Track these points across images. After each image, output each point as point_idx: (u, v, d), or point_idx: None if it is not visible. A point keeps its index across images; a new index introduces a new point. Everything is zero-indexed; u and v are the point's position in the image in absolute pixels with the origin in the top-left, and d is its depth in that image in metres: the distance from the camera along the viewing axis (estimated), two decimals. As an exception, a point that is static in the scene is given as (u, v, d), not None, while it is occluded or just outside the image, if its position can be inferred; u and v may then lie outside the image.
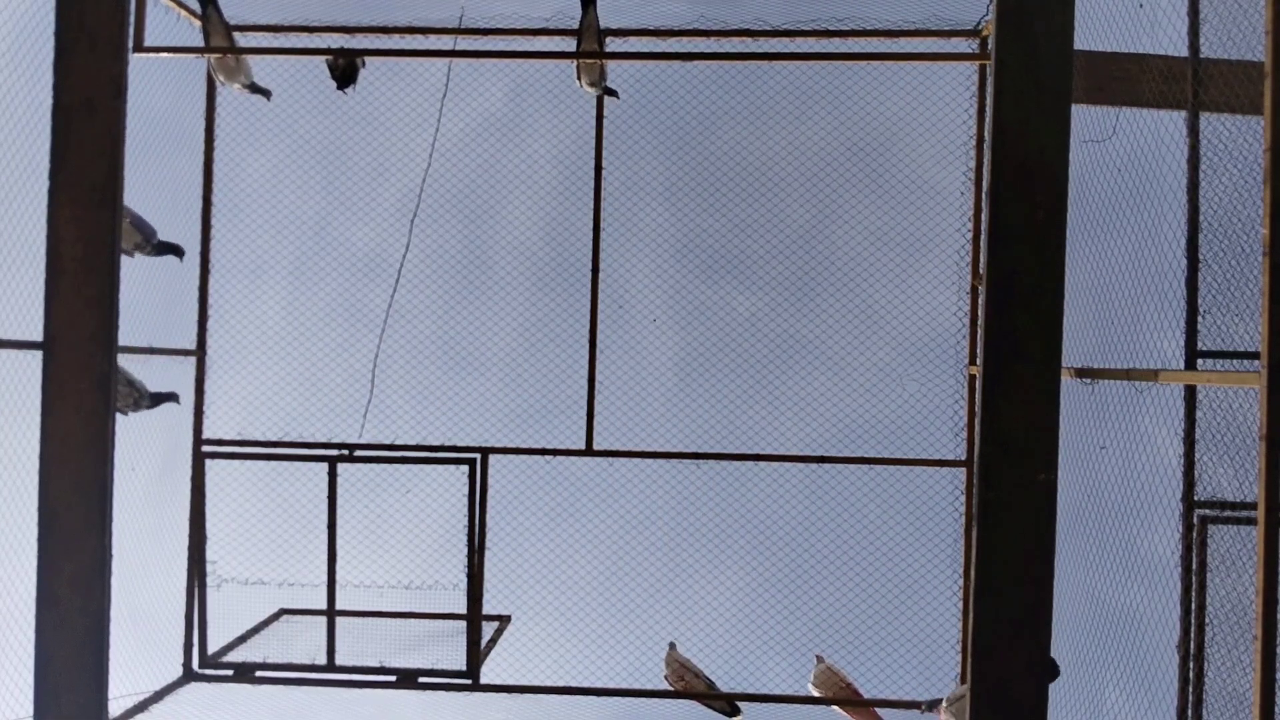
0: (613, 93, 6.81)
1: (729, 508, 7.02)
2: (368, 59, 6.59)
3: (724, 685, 6.68)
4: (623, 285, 6.91)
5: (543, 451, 6.77)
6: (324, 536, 6.39)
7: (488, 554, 6.51)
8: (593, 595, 7.02)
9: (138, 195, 5.63)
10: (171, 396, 6.38)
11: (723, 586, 7.10)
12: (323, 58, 6.50)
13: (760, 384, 7.05)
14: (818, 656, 6.67)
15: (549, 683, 6.57)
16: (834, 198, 6.89)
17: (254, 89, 6.74)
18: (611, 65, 6.73)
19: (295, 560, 6.58)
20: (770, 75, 6.78)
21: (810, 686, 6.62)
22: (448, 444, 6.67)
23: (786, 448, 6.82)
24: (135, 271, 5.85)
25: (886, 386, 6.89)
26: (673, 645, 6.73)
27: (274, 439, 6.65)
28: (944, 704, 6.35)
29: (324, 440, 6.62)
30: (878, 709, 6.60)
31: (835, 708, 6.61)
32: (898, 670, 6.60)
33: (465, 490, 6.43)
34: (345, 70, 6.40)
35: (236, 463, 6.63)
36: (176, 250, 6.41)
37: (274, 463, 6.56)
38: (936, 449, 6.72)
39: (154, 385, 6.43)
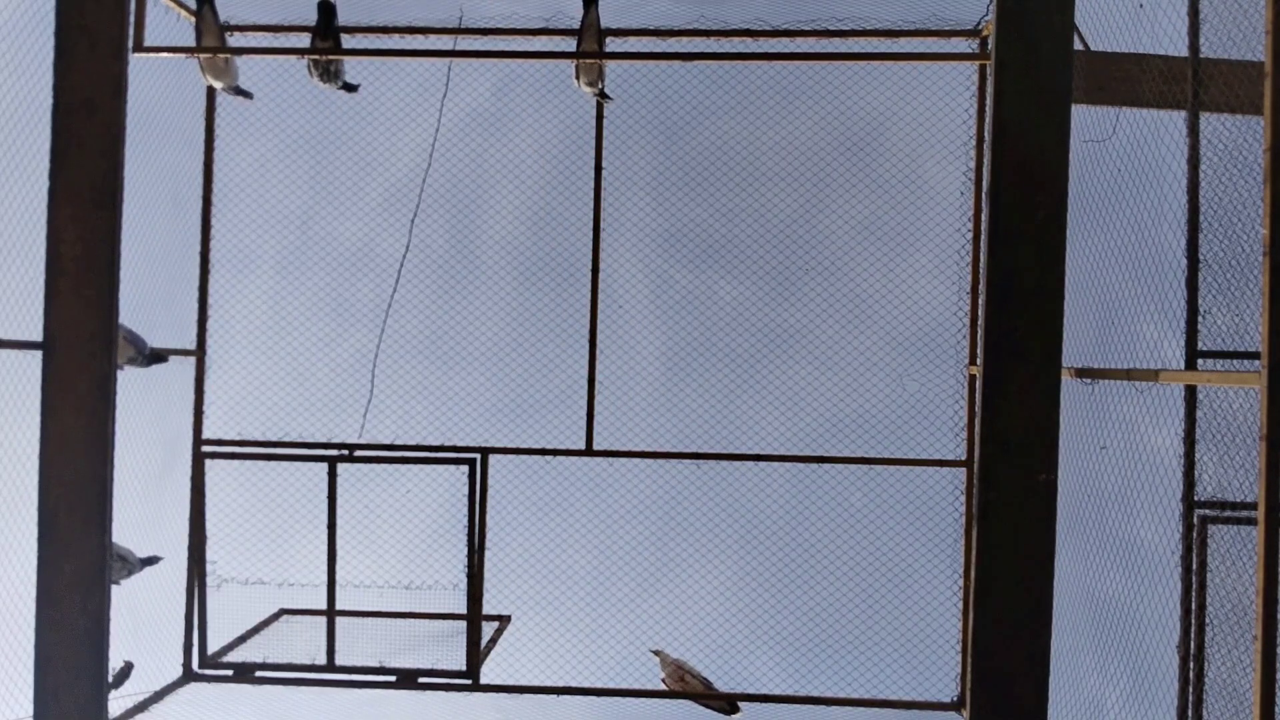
0: (607, 98, 6.81)
1: (725, 505, 7.02)
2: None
3: (721, 683, 6.68)
4: (609, 277, 6.89)
5: (543, 451, 6.76)
6: (323, 536, 6.38)
7: (486, 552, 6.51)
8: (588, 592, 7.02)
9: (134, 192, 5.61)
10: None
11: (720, 584, 7.10)
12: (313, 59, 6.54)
13: (752, 376, 7.05)
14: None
15: (546, 682, 6.57)
16: (831, 194, 6.90)
17: (238, 91, 6.77)
18: (611, 64, 6.72)
19: (295, 560, 6.57)
20: (767, 72, 6.78)
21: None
22: (446, 443, 6.66)
23: (782, 442, 6.82)
24: (135, 271, 5.84)
25: (885, 385, 6.89)
26: (658, 651, 6.73)
27: (270, 438, 6.64)
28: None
29: (323, 440, 6.61)
30: (873, 709, 6.60)
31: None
32: (898, 670, 6.60)
33: (460, 484, 6.43)
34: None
35: (234, 462, 6.62)
36: (163, 358, 6.56)
37: (270, 462, 6.56)
38: (936, 449, 6.72)
39: (154, 385, 6.44)
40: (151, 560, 6.31)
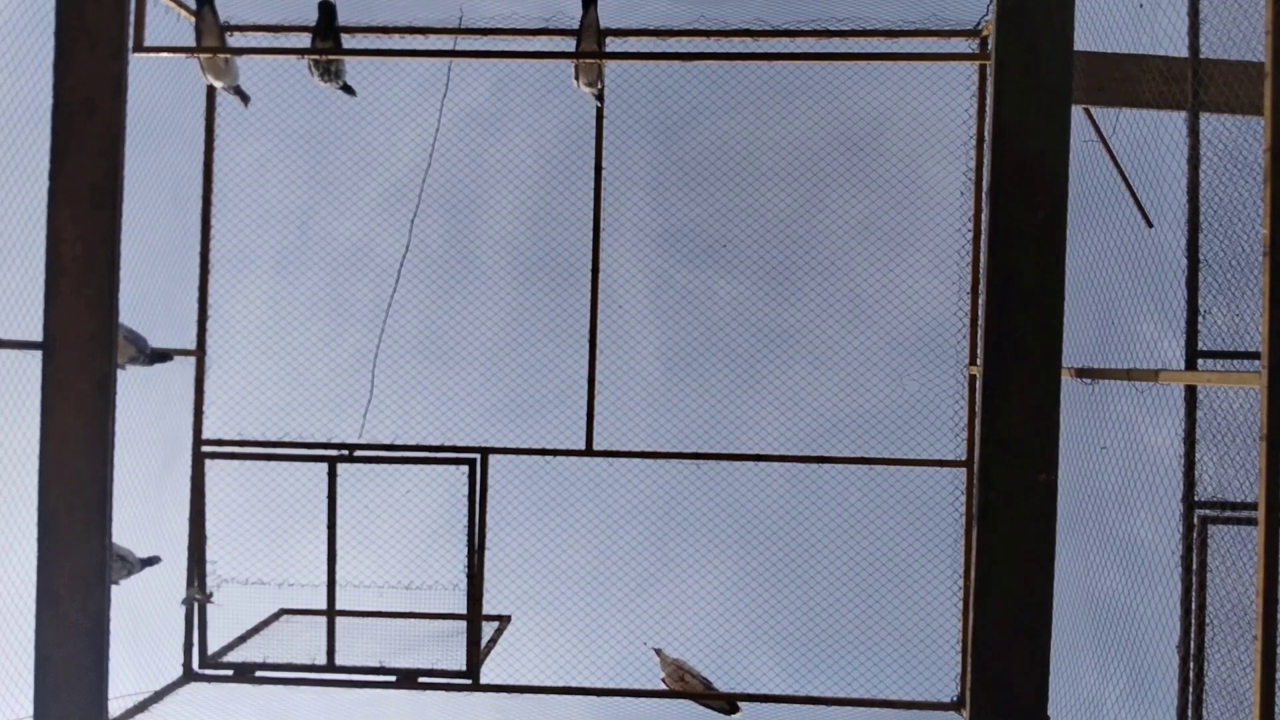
0: (599, 101, 6.81)
1: (724, 504, 7.02)
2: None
3: (721, 683, 6.68)
4: (607, 275, 6.88)
5: (543, 452, 6.76)
6: (323, 536, 6.38)
7: (486, 552, 6.51)
8: (587, 592, 7.01)
9: (134, 191, 5.61)
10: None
11: (719, 584, 7.10)
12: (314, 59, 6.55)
13: (750, 375, 7.04)
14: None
15: (546, 682, 6.57)
16: (830, 193, 6.90)
17: (238, 92, 6.78)
18: (611, 63, 6.72)
19: (295, 560, 6.57)
20: (766, 71, 6.78)
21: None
22: (446, 443, 6.66)
23: (780, 441, 6.81)
24: (135, 270, 5.84)
25: (885, 385, 6.89)
26: (659, 650, 6.74)
27: (268, 438, 6.64)
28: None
29: (323, 440, 6.61)
30: (873, 709, 6.60)
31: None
32: (898, 670, 6.60)
33: (460, 484, 6.43)
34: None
35: (234, 462, 6.62)
36: (166, 356, 6.52)
37: (270, 462, 6.55)
38: (936, 449, 6.72)
39: (154, 385, 6.43)
40: (152, 561, 6.31)
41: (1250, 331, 5.01)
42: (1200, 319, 5.25)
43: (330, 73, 6.65)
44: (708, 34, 6.54)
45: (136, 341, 6.16)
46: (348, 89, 6.82)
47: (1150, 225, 5.78)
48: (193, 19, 6.55)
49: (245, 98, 6.84)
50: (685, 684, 6.61)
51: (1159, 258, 5.48)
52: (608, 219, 6.86)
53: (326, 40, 6.49)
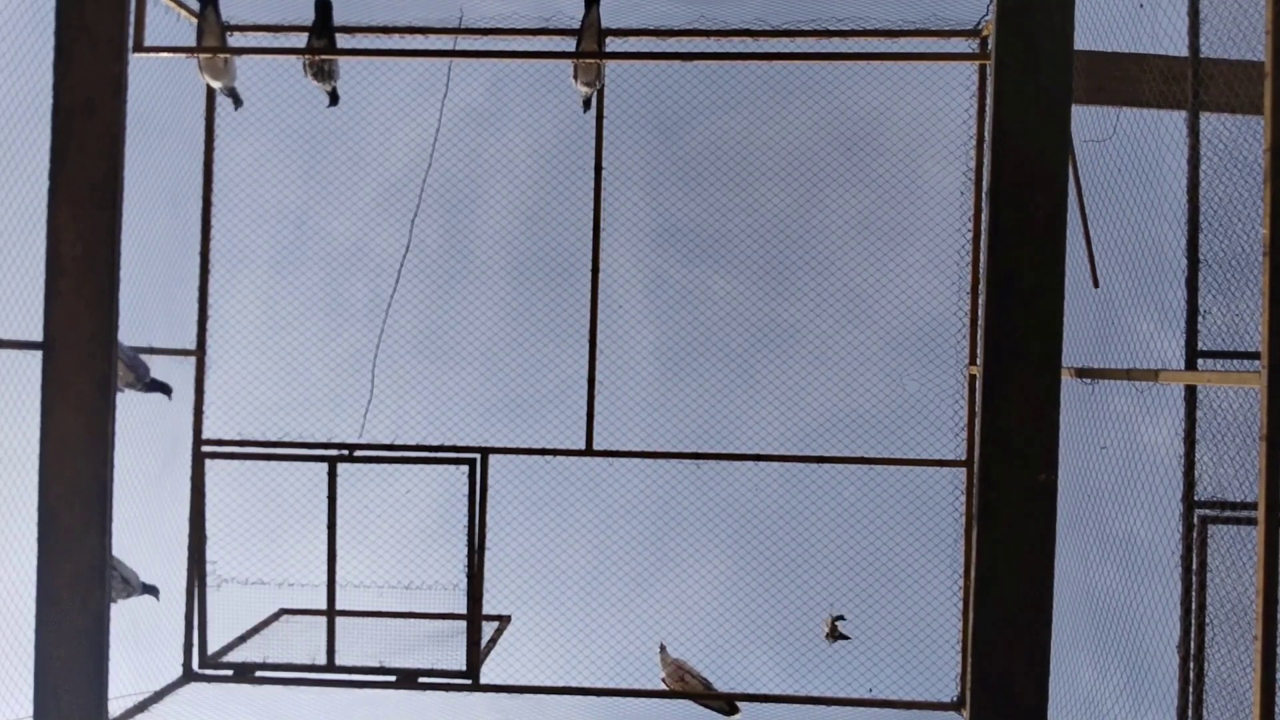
0: (586, 107, 6.81)
1: (723, 503, 7.02)
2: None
3: (720, 683, 6.68)
4: (603, 273, 6.88)
5: (543, 451, 6.76)
6: (322, 536, 6.38)
7: (486, 551, 6.51)
8: (586, 591, 7.02)
9: (132, 190, 5.60)
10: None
11: (718, 583, 7.10)
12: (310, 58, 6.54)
13: (748, 373, 7.04)
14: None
15: (545, 682, 6.57)
16: (828, 191, 6.90)
17: (232, 94, 6.76)
18: (610, 63, 6.72)
19: (295, 560, 6.57)
20: (765, 70, 6.78)
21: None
22: (443, 442, 6.66)
23: (778, 439, 6.81)
24: (133, 269, 5.83)
25: (884, 384, 6.89)
26: (663, 647, 6.74)
27: (264, 436, 6.64)
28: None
29: (323, 439, 6.61)
30: (873, 709, 6.61)
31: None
32: (898, 670, 6.60)
33: (458, 482, 6.43)
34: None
35: (233, 461, 6.62)
36: (165, 389, 6.44)
37: (270, 462, 6.55)
38: (936, 449, 6.72)
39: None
40: (153, 590, 6.27)
41: (1250, 331, 5.01)
42: (1200, 319, 5.25)
43: (324, 73, 6.63)
44: (707, 34, 6.54)
45: (136, 368, 6.12)
46: (334, 96, 6.78)
47: (1096, 285, 5.82)
48: (193, 19, 6.54)
49: (238, 101, 6.82)
50: (685, 684, 6.61)
51: (1158, 257, 5.48)
52: (606, 217, 6.86)
53: (322, 38, 6.47)
